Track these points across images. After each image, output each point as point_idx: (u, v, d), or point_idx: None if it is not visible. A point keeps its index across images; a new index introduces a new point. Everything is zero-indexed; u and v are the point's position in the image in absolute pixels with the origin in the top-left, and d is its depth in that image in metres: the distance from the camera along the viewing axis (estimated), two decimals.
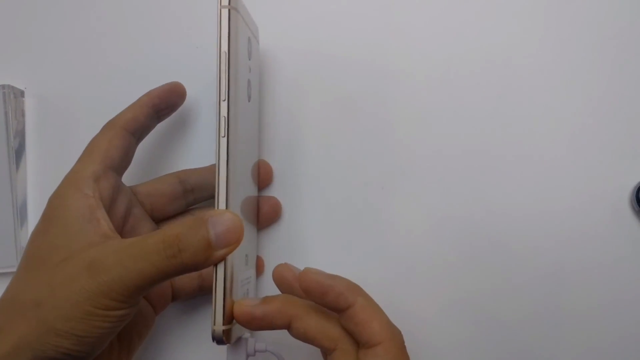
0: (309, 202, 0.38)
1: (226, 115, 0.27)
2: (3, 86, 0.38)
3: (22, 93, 0.39)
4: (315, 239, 0.38)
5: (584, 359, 0.37)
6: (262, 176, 0.36)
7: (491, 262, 0.38)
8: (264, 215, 0.36)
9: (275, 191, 0.38)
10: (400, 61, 0.39)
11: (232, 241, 0.26)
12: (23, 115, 0.39)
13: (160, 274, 0.26)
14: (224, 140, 0.27)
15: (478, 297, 0.38)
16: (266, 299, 0.28)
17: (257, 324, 0.27)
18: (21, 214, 0.38)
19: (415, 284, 0.38)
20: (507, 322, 0.37)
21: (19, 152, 0.38)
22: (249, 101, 0.31)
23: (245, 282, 0.30)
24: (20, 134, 0.39)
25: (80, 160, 0.31)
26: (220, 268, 0.27)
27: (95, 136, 0.32)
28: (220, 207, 0.27)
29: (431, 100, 0.39)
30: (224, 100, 0.27)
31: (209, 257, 0.26)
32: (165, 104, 0.34)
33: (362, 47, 0.39)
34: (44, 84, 0.39)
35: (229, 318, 0.27)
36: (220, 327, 0.27)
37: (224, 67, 0.27)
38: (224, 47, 0.27)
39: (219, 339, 0.27)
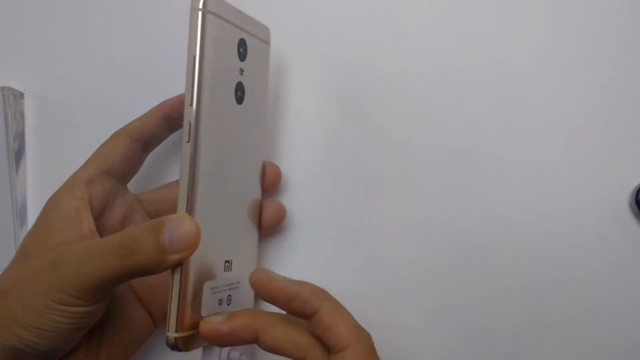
0: (309, 205, 0.38)
1: (191, 121, 0.27)
2: (3, 88, 0.38)
3: (21, 95, 0.39)
4: (315, 242, 0.38)
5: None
6: (269, 179, 0.35)
7: (490, 265, 0.38)
8: (266, 220, 0.34)
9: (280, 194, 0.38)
10: (399, 63, 0.39)
11: (186, 247, 0.26)
12: (22, 117, 0.39)
13: (114, 274, 0.26)
14: (187, 146, 0.27)
15: (478, 300, 0.38)
16: (231, 315, 0.28)
17: (225, 340, 0.27)
18: (21, 215, 0.38)
19: (416, 288, 0.38)
20: (506, 325, 0.37)
21: (18, 154, 0.39)
22: (239, 104, 0.30)
23: (226, 289, 0.30)
24: (20, 136, 0.39)
25: (82, 165, 0.32)
26: (177, 273, 0.27)
27: (102, 143, 0.33)
28: (179, 212, 0.27)
29: (430, 102, 0.39)
30: (190, 104, 0.27)
31: (163, 261, 0.25)
32: (177, 113, 0.33)
33: (361, 48, 0.39)
34: (44, 86, 0.40)
35: (188, 325, 0.27)
36: (172, 333, 0.27)
37: (190, 70, 0.27)
38: (192, 51, 0.27)
39: (171, 346, 0.27)
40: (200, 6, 0.27)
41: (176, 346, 0.27)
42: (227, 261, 0.30)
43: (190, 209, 0.27)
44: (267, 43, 0.33)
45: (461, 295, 0.38)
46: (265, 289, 0.27)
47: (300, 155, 0.38)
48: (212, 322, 0.27)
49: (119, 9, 0.40)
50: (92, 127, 0.39)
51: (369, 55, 0.39)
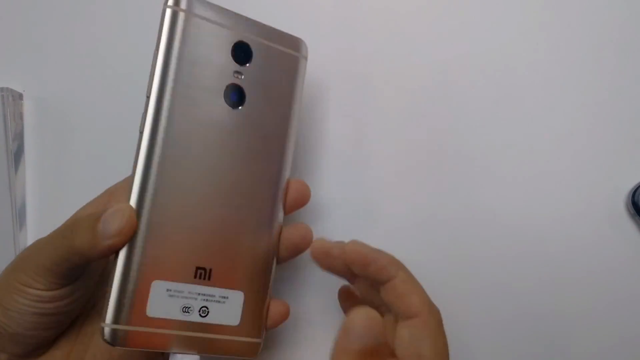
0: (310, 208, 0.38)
1: (144, 112, 0.28)
2: (2, 89, 0.38)
3: (20, 96, 0.39)
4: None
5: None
6: (292, 198, 0.32)
7: (486, 266, 0.38)
8: (291, 245, 0.32)
9: None
10: (397, 64, 0.39)
11: (117, 234, 0.26)
12: (22, 117, 0.39)
13: (56, 256, 0.26)
14: (140, 136, 0.28)
15: (474, 300, 0.38)
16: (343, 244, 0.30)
17: (331, 262, 0.30)
18: (20, 216, 0.38)
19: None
20: (503, 325, 0.38)
21: (17, 155, 0.39)
22: (233, 107, 0.30)
23: (197, 297, 0.28)
24: (19, 137, 0.39)
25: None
26: (118, 263, 0.27)
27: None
28: (125, 202, 0.27)
29: (428, 104, 0.39)
30: (147, 96, 0.28)
31: (96, 245, 0.26)
32: None
33: (360, 51, 0.39)
34: (43, 86, 0.40)
35: (126, 320, 0.26)
36: (105, 324, 0.26)
37: (154, 63, 0.28)
38: (158, 46, 0.28)
39: (105, 338, 0.26)
40: (170, 3, 0.28)
41: (108, 340, 0.26)
42: (201, 269, 0.29)
43: (139, 201, 0.27)
44: (298, 54, 0.32)
45: (457, 295, 0.38)
46: (347, 253, 0.29)
47: (296, 156, 0.38)
48: (325, 241, 0.30)
49: (119, 11, 0.40)
50: (91, 128, 0.39)
51: (366, 56, 0.39)
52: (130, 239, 0.26)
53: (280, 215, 0.31)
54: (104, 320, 0.26)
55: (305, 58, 0.32)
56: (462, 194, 0.38)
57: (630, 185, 0.37)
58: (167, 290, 0.28)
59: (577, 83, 0.38)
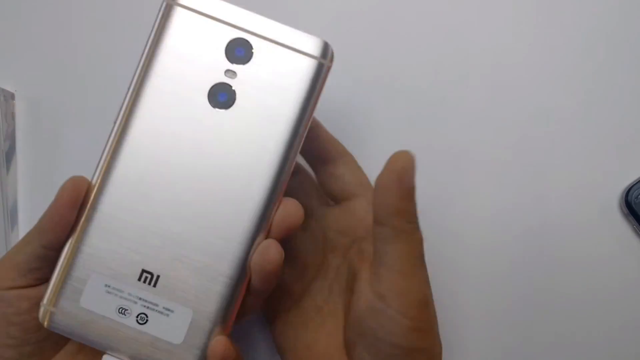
0: None
1: (122, 102, 0.27)
2: None
3: (12, 96, 0.39)
4: None
5: (571, 358, 0.37)
6: (279, 219, 0.28)
7: (479, 265, 0.38)
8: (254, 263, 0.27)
9: None
10: (392, 62, 0.39)
11: (60, 194, 0.26)
12: (13, 118, 0.39)
13: (26, 245, 0.27)
14: (113, 126, 0.27)
15: (469, 298, 0.38)
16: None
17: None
18: (12, 216, 0.38)
19: None
20: (498, 323, 0.38)
21: (9, 155, 0.38)
22: (219, 108, 0.28)
23: (138, 302, 0.27)
24: (11, 137, 0.39)
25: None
26: (66, 247, 0.27)
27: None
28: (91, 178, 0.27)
29: (422, 102, 0.39)
30: (128, 88, 0.27)
31: (48, 213, 0.26)
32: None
33: (355, 50, 0.39)
34: (35, 86, 0.39)
35: (58, 302, 0.26)
36: (43, 305, 0.26)
37: (140, 56, 0.28)
38: (147, 40, 0.28)
39: (38, 317, 0.26)
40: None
41: (39, 317, 0.26)
42: (147, 272, 0.27)
43: (96, 190, 0.27)
44: (316, 58, 0.28)
45: (453, 293, 0.38)
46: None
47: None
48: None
49: (112, 11, 0.40)
50: (83, 128, 0.39)
51: (362, 56, 0.39)
52: (78, 199, 0.27)
53: (259, 239, 0.27)
54: (42, 300, 0.26)
55: (327, 63, 0.28)
56: (455, 192, 0.38)
57: (623, 185, 0.37)
58: (106, 285, 0.27)
59: (571, 83, 0.38)
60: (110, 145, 0.27)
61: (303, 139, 0.28)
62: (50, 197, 0.39)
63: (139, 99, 0.27)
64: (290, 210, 0.28)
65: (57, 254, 0.27)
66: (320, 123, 0.32)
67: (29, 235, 0.27)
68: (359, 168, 0.33)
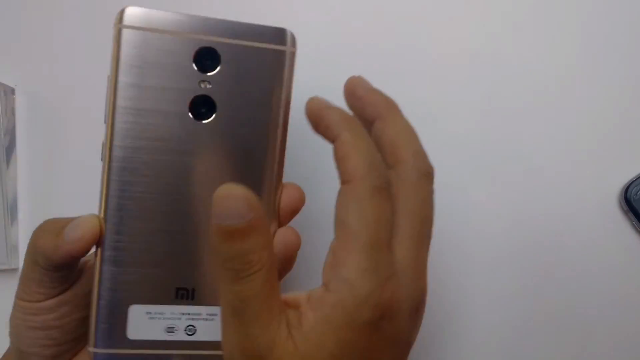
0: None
1: (103, 140, 0.27)
2: None
3: (12, 91, 0.39)
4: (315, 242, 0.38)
5: (572, 355, 0.38)
6: (285, 204, 0.29)
7: (478, 261, 0.38)
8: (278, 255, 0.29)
9: None
10: (390, 61, 0.39)
11: (78, 239, 0.26)
12: (13, 113, 0.39)
13: (27, 259, 0.27)
14: (103, 164, 0.27)
15: (465, 295, 0.38)
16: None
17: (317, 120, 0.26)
18: (11, 211, 0.38)
19: None
20: (496, 322, 0.38)
21: (9, 150, 0.38)
22: (202, 119, 0.27)
23: (182, 317, 0.28)
24: (11, 132, 0.39)
25: None
26: (95, 286, 0.27)
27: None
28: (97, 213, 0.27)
29: (420, 100, 0.39)
30: (104, 122, 0.27)
31: (57, 247, 0.26)
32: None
33: (353, 47, 0.39)
34: (35, 81, 0.39)
35: (106, 343, 0.27)
36: (93, 349, 0.27)
37: (107, 90, 0.27)
38: (110, 72, 0.27)
39: None
40: (115, 22, 0.27)
41: None
42: (183, 289, 0.28)
43: (110, 228, 0.27)
44: (280, 47, 0.28)
45: (452, 290, 0.38)
46: (305, 110, 0.26)
47: (292, 154, 0.38)
48: (319, 101, 0.26)
49: (112, 5, 0.40)
50: (83, 123, 0.39)
51: (359, 53, 0.39)
52: (90, 246, 0.26)
53: (272, 227, 0.29)
54: (88, 344, 0.27)
55: (291, 50, 0.28)
56: (454, 191, 0.38)
57: (623, 182, 0.37)
58: (147, 313, 0.27)
59: (571, 81, 0.39)
60: (106, 186, 0.27)
61: (288, 124, 0.29)
62: (51, 192, 0.39)
63: (119, 135, 0.27)
64: (293, 194, 0.29)
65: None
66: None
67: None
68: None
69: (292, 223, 0.30)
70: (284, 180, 0.29)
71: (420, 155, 0.26)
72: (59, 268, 0.27)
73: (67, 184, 0.39)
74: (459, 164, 0.38)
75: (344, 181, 0.24)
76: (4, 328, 0.31)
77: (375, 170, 0.24)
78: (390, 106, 0.27)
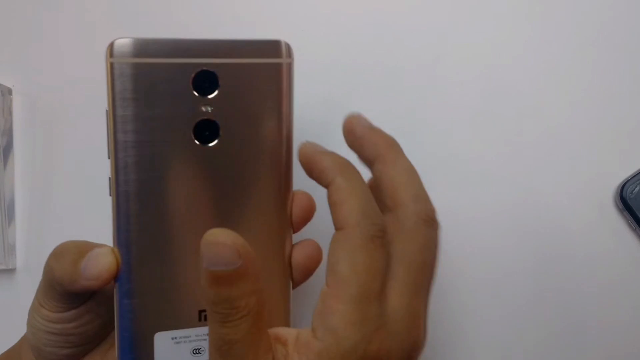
0: None
1: (109, 175, 0.26)
2: None
3: (9, 91, 0.39)
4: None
5: (564, 353, 0.38)
6: (296, 214, 0.29)
7: (475, 258, 0.38)
8: (299, 267, 0.29)
9: None
10: (388, 61, 0.39)
11: (95, 277, 0.25)
12: (11, 113, 0.39)
13: (44, 281, 0.27)
14: (112, 199, 0.26)
15: (464, 293, 0.38)
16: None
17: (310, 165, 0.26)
18: (9, 211, 0.38)
19: None
20: (495, 320, 0.38)
21: (6, 150, 0.38)
22: (207, 144, 0.27)
23: (207, 338, 0.28)
24: (8, 132, 0.39)
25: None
26: (117, 318, 0.27)
27: None
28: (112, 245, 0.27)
29: (417, 98, 0.39)
30: (108, 158, 0.26)
31: (75, 281, 0.25)
32: None
33: (351, 47, 0.39)
34: (32, 81, 0.39)
35: None
36: None
37: (107, 125, 0.26)
38: (107, 105, 0.26)
39: None
40: (107, 55, 0.26)
41: None
42: (204, 311, 0.28)
43: (126, 260, 0.26)
44: (276, 60, 0.28)
45: (450, 291, 0.38)
46: (298, 155, 0.26)
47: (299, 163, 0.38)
48: (312, 146, 0.26)
49: (108, 6, 0.40)
50: (80, 123, 0.39)
51: (356, 54, 0.39)
52: (107, 283, 0.26)
53: (288, 242, 0.29)
54: None
55: (288, 61, 0.28)
56: (451, 188, 0.38)
57: (618, 181, 0.38)
58: (173, 338, 0.28)
59: (567, 79, 0.39)
60: (118, 220, 0.26)
61: (292, 134, 0.28)
62: (48, 193, 0.39)
63: (123, 167, 0.26)
64: (304, 203, 0.29)
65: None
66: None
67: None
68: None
69: (304, 231, 0.30)
70: (294, 188, 0.29)
71: (421, 199, 0.26)
72: (76, 294, 0.27)
73: (64, 184, 0.39)
74: (454, 161, 0.38)
75: (338, 228, 0.24)
76: (3, 328, 0.31)
77: (369, 217, 0.24)
78: (391, 145, 0.26)
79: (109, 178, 0.26)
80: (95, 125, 0.39)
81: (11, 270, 0.38)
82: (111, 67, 0.26)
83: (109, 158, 0.26)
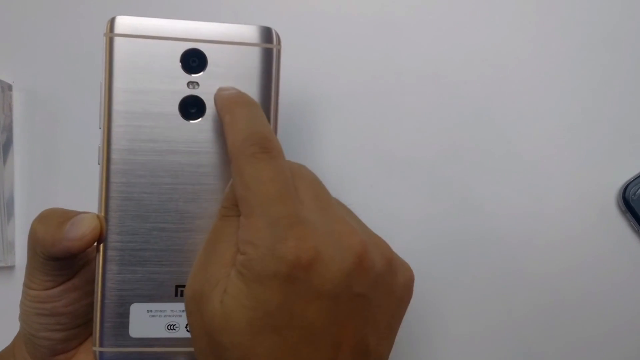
0: None
1: (99, 144, 0.28)
2: None
3: (9, 87, 0.39)
4: None
5: (569, 355, 0.38)
6: None
7: (478, 261, 0.38)
8: None
9: None
10: (391, 62, 0.39)
11: (78, 237, 0.26)
12: (11, 109, 0.39)
13: (29, 246, 0.27)
14: (100, 168, 0.28)
15: (466, 293, 0.38)
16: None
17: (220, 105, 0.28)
18: (8, 208, 0.38)
19: None
20: (495, 318, 0.38)
21: (6, 146, 0.38)
22: (192, 119, 0.28)
23: (182, 314, 0.29)
24: (8, 128, 0.39)
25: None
26: (97, 286, 0.27)
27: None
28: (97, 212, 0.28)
29: (421, 101, 0.39)
30: (99, 128, 0.28)
31: (56, 242, 0.26)
32: None
33: (353, 47, 0.39)
34: (32, 77, 0.39)
35: (110, 342, 0.27)
36: (97, 349, 0.27)
37: (100, 97, 0.28)
38: (102, 78, 0.28)
39: None
40: (108, 31, 0.28)
41: None
42: (183, 287, 0.28)
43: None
44: (265, 46, 0.29)
45: (450, 289, 0.38)
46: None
47: (290, 156, 0.38)
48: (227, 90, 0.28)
49: (109, 2, 0.40)
50: (80, 119, 0.39)
51: (361, 55, 0.39)
52: (90, 245, 0.27)
53: None
54: (94, 344, 0.27)
55: (277, 48, 0.29)
56: (453, 190, 0.38)
57: (621, 182, 0.38)
58: (148, 311, 0.28)
59: (569, 80, 0.39)
60: (105, 188, 0.28)
61: (278, 120, 0.30)
62: (47, 189, 0.39)
63: (114, 138, 0.28)
64: None
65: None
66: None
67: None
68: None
69: None
70: None
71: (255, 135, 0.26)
72: (58, 259, 0.27)
73: (64, 181, 0.39)
74: (456, 162, 0.38)
75: (229, 154, 0.25)
76: (2, 326, 0.31)
77: (249, 140, 0.25)
78: (233, 101, 0.27)
79: (99, 147, 0.28)
80: (95, 122, 0.39)
81: (10, 268, 0.38)
82: (110, 42, 0.28)
83: (100, 128, 0.27)
